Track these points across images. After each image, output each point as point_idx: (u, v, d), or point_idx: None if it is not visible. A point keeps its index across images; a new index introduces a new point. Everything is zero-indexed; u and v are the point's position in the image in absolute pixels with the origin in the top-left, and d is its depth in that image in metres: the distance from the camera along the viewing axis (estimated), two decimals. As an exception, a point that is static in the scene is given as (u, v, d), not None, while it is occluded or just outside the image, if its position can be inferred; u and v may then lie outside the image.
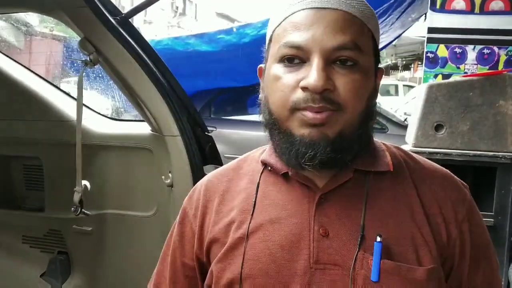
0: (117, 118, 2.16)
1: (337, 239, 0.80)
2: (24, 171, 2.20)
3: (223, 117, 6.43)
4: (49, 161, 2.06)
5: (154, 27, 23.16)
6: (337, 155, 0.77)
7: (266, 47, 0.86)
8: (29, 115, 2.04)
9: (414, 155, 0.92)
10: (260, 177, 0.90)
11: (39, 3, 1.65)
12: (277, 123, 0.80)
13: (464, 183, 0.89)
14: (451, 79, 3.21)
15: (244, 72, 5.66)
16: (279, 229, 0.83)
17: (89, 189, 1.80)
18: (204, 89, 6.10)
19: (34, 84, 2.05)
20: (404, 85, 15.73)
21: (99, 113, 2.10)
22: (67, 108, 2.03)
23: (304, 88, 0.75)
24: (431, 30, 4.10)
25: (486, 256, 0.88)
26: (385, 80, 16.31)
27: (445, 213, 0.83)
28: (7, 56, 2.08)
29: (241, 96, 6.68)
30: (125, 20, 1.71)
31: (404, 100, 12.06)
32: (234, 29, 5.34)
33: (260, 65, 0.89)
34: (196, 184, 0.99)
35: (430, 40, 4.10)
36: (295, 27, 0.78)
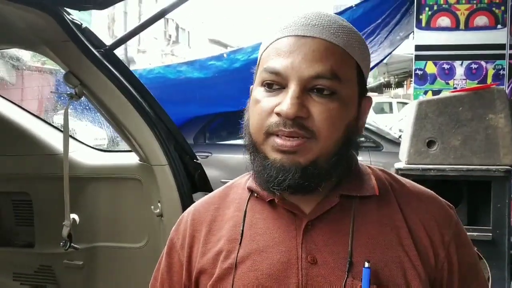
0: (106, 149, 2.15)
1: (325, 266, 0.79)
2: (14, 206, 2.18)
3: (218, 142, 6.43)
4: (38, 195, 2.04)
5: (148, 55, 23.41)
6: (307, 182, 0.77)
7: (256, 69, 0.87)
8: (17, 151, 2.03)
9: (399, 177, 0.91)
10: (247, 204, 0.89)
11: (23, 39, 1.67)
12: (255, 146, 0.81)
13: (449, 204, 0.89)
14: (441, 95, 3.24)
15: (237, 96, 5.66)
16: (267, 258, 0.82)
17: (77, 222, 1.78)
18: (198, 115, 6.12)
19: (22, 119, 2.05)
20: (398, 102, 15.85)
21: (87, 145, 2.09)
22: (56, 141, 2.02)
23: (278, 114, 0.76)
24: (418, 47, 4.16)
25: (474, 274, 0.87)
26: (379, 98, 16.44)
27: (432, 236, 0.82)
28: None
29: (236, 120, 6.69)
30: (109, 52, 1.72)
31: (398, 117, 12.13)
32: (225, 55, 5.39)
33: (252, 85, 0.89)
34: (183, 214, 0.97)
35: (418, 58, 4.15)
36: (277, 53, 0.78)
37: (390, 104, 15.83)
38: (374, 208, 0.84)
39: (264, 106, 0.78)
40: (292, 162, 0.76)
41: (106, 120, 1.80)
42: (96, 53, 1.65)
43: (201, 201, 0.97)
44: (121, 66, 1.74)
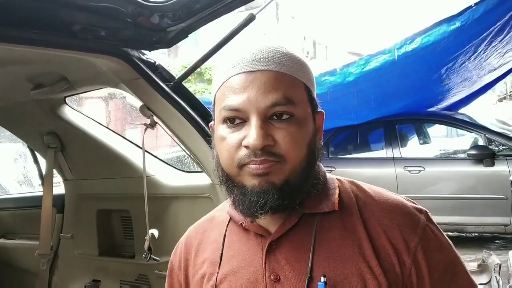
0: (186, 170, 2.37)
1: (287, 283, 0.85)
2: (122, 222, 2.53)
3: (341, 156, 6.40)
4: (136, 212, 2.34)
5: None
6: (285, 201, 0.82)
7: (212, 108, 0.93)
8: (119, 173, 2.36)
9: (368, 188, 0.94)
10: (227, 228, 0.97)
11: (107, 80, 1.96)
12: (230, 178, 0.87)
13: (421, 208, 0.90)
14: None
15: (356, 109, 5.63)
16: (240, 279, 0.90)
17: (156, 237, 2.00)
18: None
19: (119, 145, 2.38)
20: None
21: (172, 166, 2.34)
22: (148, 165, 2.29)
23: (246, 147, 0.82)
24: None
25: (452, 279, 0.87)
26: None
27: (395, 243, 0.84)
28: (99, 123, 2.46)
29: (360, 133, 6.61)
30: (177, 84, 1.93)
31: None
32: (338, 70, 5.39)
33: (211, 123, 0.96)
34: (181, 238, 1.09)
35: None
36: (231, 91, 0.84)
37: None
38: (336, 222, 0.88)
39: (231, 142, 0.84)
40: (268, 183, 0.82)
41: (179, 145, 2.00)
42: (165, 87, 1.86)
43: (194, 225, 1.08)
44: (189, 96, 1.93)
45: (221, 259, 0.93)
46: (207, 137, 1.85)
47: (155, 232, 1.99)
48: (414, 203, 0.92)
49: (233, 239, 0.95)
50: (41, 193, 2.57)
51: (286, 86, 0.83)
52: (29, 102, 2.34)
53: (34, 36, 1.51)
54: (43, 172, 2.55)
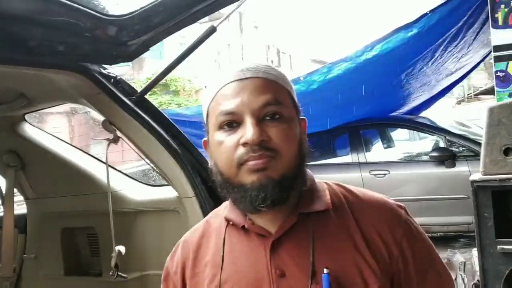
0: (152, 184, 2.35)
1: (293, 277, 0.92)
2: (88, 240, 2.47)
3: (308, 163, 6.44)
4: (102, 229, 2.29)
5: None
6: (284, 194, 0.90)
7: (205, 122, 1.00)
8: (82, 190, 2.32)
9: (354, 188, 1.03)
10: (225, 232, 1.02)
11: (67, 96, 1.93)
12: (229, 181, 0.92)
13: (400, 204, 1.00)
14: None
15: (321, 116, 5.71)
16: (245, 277, 0.95)
17: (123, 253, 1.97)
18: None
19: (83, 162, 2.34)
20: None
21: (137, 180, 2.31)
22: (112, 180, 2.26)
23: (244, 144, 0.88)
24: (496, 48, 3.84)
25: (430, 264, 0.99)
26: (493, 102, 15.07)
27: (384, 236, 0.94)
28: (61, 139, 2.41)
29: (325, 139, 6.69)
30: (140, 98, 1.91)
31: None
32: (302, 78, 5.47)
33: (204, 139, 1.02)
34: (176, 244, 1.12)
35: (497, 59, 3.83)
36: (225, 98, 0.92)
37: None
38: (331, 220, 0.96)
39: (228, 144, 0.90)
40: (267, 178, 0.88)
41: (143, 158, 1.98)
42: (127, 101, 1.85)
43: (190, 231, 1.12)
44: (152, 109, 1.92)
45: (223, 261, 0.98)
46: (172, 150, 1.84)
47: (121, 248, 1.96)
48: (392, 200, 1.02)
49: (233, 242, 0.99)
50: (1, 214, 2.49)
51: (274, 90, 0.93)
52: (-14, 121, 2.27)
53: (-12, 52, 1.47)
54: (3, 191, 2.47)
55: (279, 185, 0.87)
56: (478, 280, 2.07)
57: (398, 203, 1.01)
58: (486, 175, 2.67)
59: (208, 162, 1.88)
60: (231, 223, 1.01)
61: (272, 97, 0.91)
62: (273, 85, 0.93)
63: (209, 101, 0.97)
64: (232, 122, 0.90)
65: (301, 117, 0.99)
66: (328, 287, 0.88)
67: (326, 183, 1.02)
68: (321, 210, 0.95)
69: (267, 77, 0.93)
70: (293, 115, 0.94)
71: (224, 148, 0.90)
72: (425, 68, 5.56)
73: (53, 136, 2.41)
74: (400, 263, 0.94)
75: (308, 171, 1.00)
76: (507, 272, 1.93)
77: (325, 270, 0.88)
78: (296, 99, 0.99)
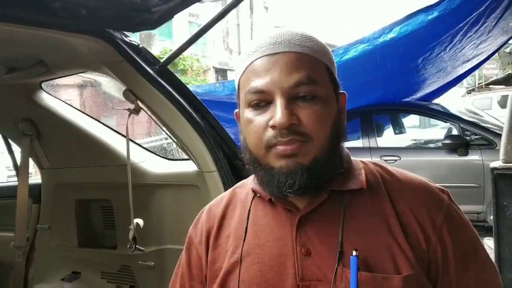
0: (171, 158, 2.30)
1: (318, 257, 0.87)
2: (102, 212, 2.44)
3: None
4: (118, 202, 2.26)
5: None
6: (314, 180, 0.84)
7: (237, 94, 0.95)
8: (99, 162, 2.27)
9: (392, 169, 0.97)
10: (251, 204, 0.99)
11: (88, 63, 1.87)
12: (257, 161, 0.88)
13: (443, 188, 0.93)
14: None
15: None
16: (268, 252, 0.91)
17: (141, 226, 1.94)
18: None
19: (101, 133, 2.29)
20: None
21: (156, 154, 2.26)
22: (131, 152, 2.21)
23: (273, 127, 0.83)
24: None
25: (475, 256, 0.90)
26: (507, 91, 14.90)
27: (422, 221, 0.87)
28: (78, 109, 2.36)
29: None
30: (163, 68, 1.85)
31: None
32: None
33: (236, 110, 0.98)
34: (200, 212, 1.09)
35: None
36: (255, 74, 0.86)
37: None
38: (364, 200, 0.90)
39: (258, 124, 0.85)
40: (296, 164, 0.83)
41: (164, 131, 1.93)
42: (150, 70, 1.79)
43: (214, 200, 1.09)
44: (175, 80, 1.86)
45: (246, 233, 0.95)
46: (194, 122, 1.79)
47: (140, 221, 1.93)
48: (435, 183, 0.94)
49: (258, 215, 0.96)
50: (16, 183, 2.46)
51: (308, 66, 0.85)
52: (2, 87, 2.21)
53: (10, 12, 1.41)
54: (18, 161, 2.44)
55: (309, 171, 0.83)
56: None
57: (441, 187, 0.93)
58: (507, 163, 2.62)
59: (230, 137, 1.87)
60: (258, 195, 0.98)
61: (305, 75, 0.84)
62: (308, 61, 0.86)
63: (239, 75, 0.92)
64: (260, 101, 0.86)
65: (340, 91, 0.93)
66: (356, 270, 0.82)
67: (362, 161, 0.98)
68: (355, 188, 0.91)
69: (301, 51, 0.86)
70: (329, 93, 0.88)
71: (254, 128, 0.86)
72: (442, 53, 5.44)
73: (70, 105, 2.36)
74: (438, 252, 0.86)
75: (345, 149, 0.95)
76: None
77: (354, 252, 0.83)
78: (335, 73, 0.92)
